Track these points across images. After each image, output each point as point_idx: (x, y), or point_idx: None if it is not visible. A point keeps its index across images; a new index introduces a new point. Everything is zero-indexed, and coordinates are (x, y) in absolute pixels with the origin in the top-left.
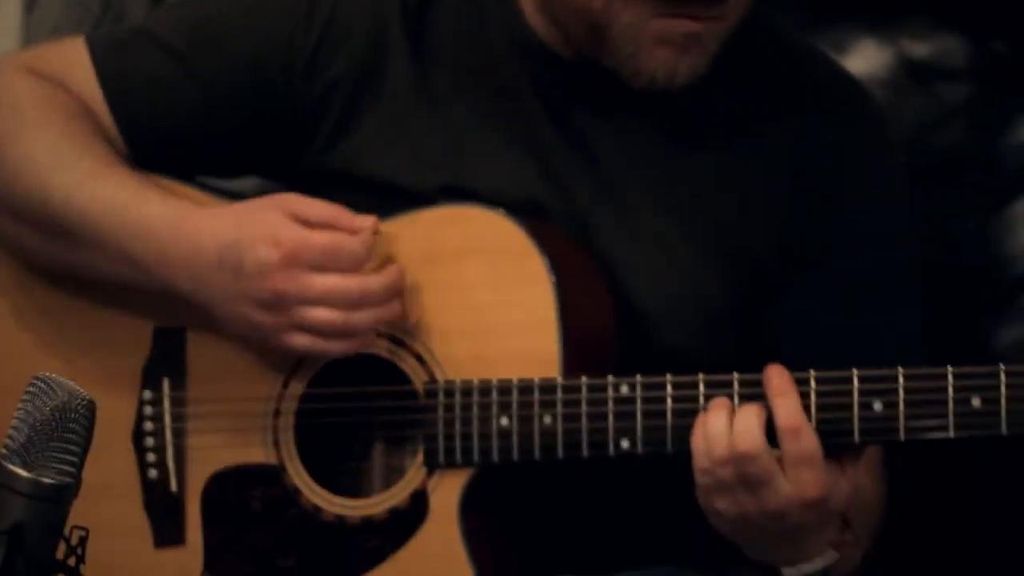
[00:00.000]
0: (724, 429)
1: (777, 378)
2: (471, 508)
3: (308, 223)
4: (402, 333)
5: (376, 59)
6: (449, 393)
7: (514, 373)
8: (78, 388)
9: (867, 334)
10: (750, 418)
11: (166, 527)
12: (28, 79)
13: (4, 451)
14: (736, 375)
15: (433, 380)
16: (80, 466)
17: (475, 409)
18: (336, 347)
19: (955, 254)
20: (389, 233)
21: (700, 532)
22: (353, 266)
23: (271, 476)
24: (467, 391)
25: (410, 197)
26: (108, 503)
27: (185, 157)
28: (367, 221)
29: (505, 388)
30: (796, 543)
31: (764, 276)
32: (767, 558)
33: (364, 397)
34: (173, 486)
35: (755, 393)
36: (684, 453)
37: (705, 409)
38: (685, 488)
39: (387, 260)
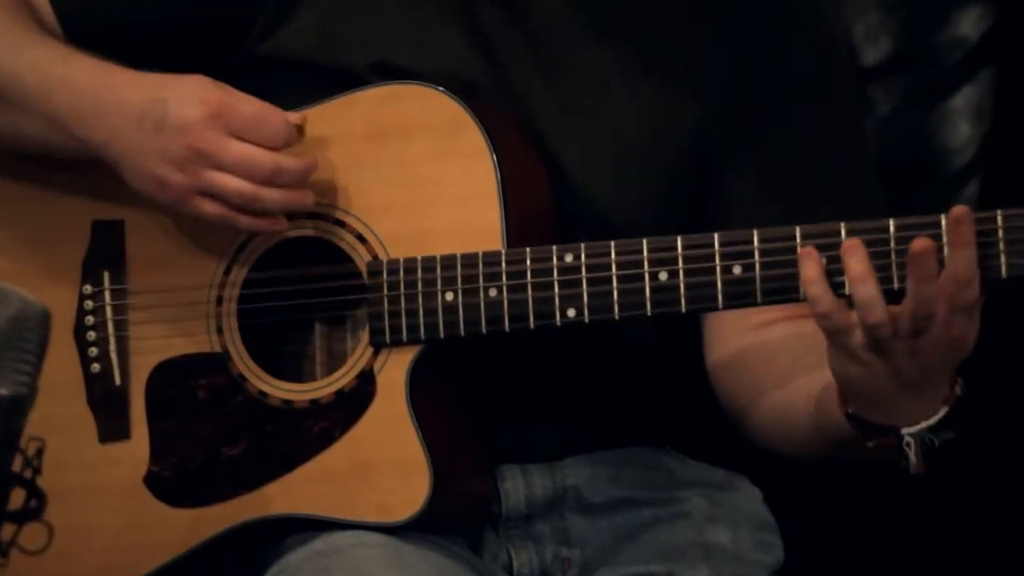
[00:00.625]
0: (934, 270)
1: (966, 227)
2: (419, 385)
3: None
4: (343, 214)
5: None
6: (393, 271)
7: (457, 248)
8: (31, 296)
9: (818, 199)
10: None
11: (111, 422)
12: None
13: None
14: (680, 238)
15: (376, 259)
16: (36, 376)
17: (419, 285)
18: (244, 221)
19: (897, 147)
20: (327, 114)
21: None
22: (273, 141)
23: (216, 364)
24: (411, 268)
25: (344, 78)
26: (51, 401)
27: (125, 49)
28: (295, 116)
29: (449, 262)
30: (920, 397)
31: (707, 149)
32: (888, 419)
33: (307, 280)
34: (116, 379)
35: (697, 254)
36: (630, 319)
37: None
38: (634, 371)
39: (308, 150)
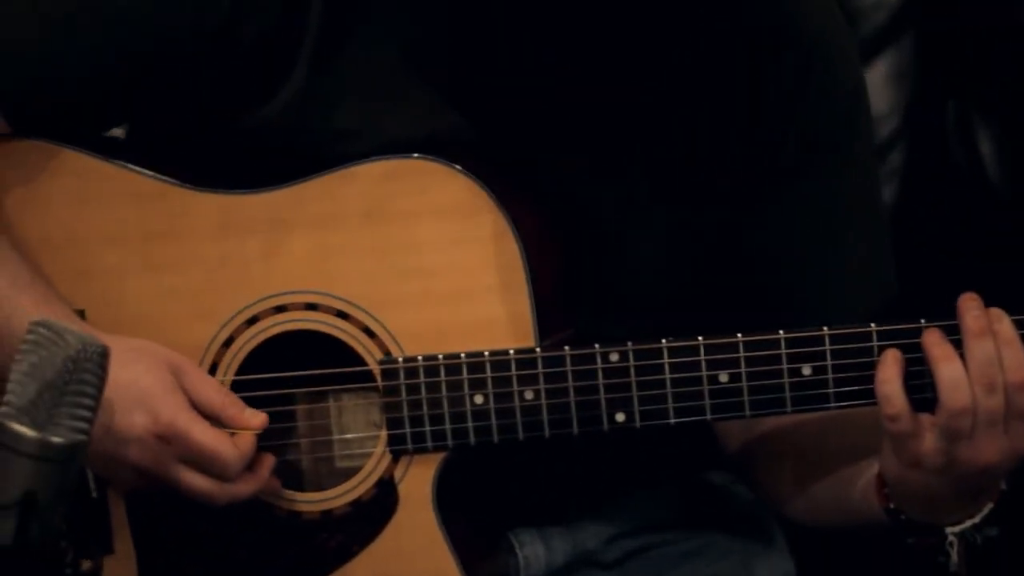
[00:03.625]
0: (992, 357)
1: (1001, 325)
2: (445, 492)
3: (194, 402)
4: (345, 305)
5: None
6: (412, 372)
7: (482, 344)
8: (88, 334)
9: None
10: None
11: (89, 538)
12: None
13: (6, 409)
14: (741, 338)
15: (390, 357)
16: (92, 421)
17: (444, 388)
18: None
19: None
20: (320, 191)
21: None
22: (224, 476)
23: None
24: (432, 368)
25: (334, 152)
26: None
27: (74, 124)
28: (255, 420)
29: (477, 363)
30: (973, 499)
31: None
32: (934, 518)
33: (309, 381)
34: (92, 491)
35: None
36: (687, 425)
37: (930, 354)
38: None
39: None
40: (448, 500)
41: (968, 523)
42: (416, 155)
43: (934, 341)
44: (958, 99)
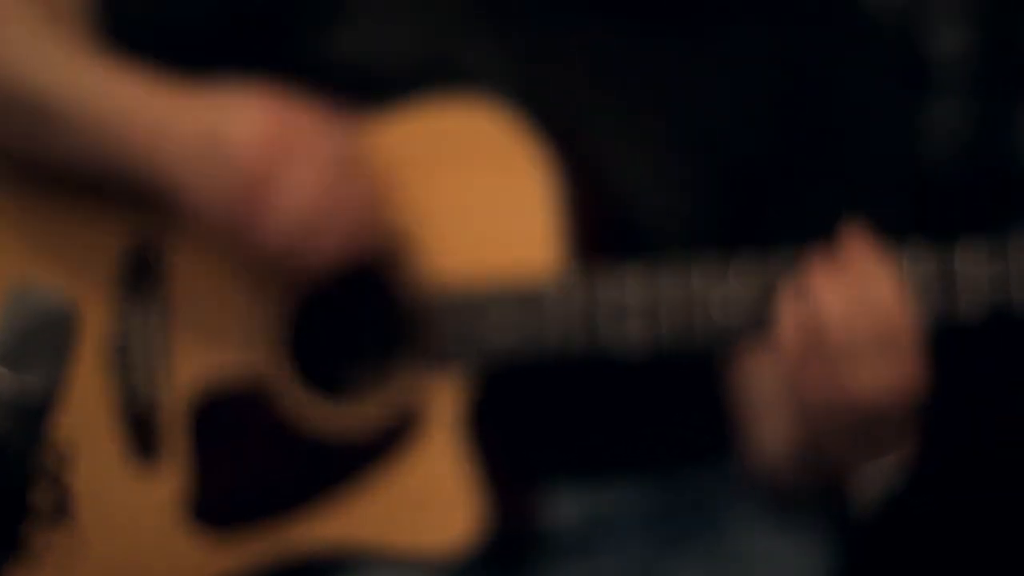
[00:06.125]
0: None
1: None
2: (472, 415)
3: None
4: (396, 234)
5: None
6: (449, 295)
7: (517, 267)
8: (59, 293)
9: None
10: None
11: (145, 441)
12: None
13: None
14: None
15: (428, 286)
16: (62, 376)
17: (479, 310)
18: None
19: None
20: (378, 132)
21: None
22: None
23: (263, 386)
24: (468, 292)
25: (385, 84)
26: (79, 416)
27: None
28: None
29: (507, 289)
30: (872, 447)
31: (756, 175)
32: (841, 465)
33: (357, 310)
34: (153, 397)
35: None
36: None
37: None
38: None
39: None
40: (478, 429)
41: (868, 473)
42: (458, 96)
43: (815, 268)
44: None
